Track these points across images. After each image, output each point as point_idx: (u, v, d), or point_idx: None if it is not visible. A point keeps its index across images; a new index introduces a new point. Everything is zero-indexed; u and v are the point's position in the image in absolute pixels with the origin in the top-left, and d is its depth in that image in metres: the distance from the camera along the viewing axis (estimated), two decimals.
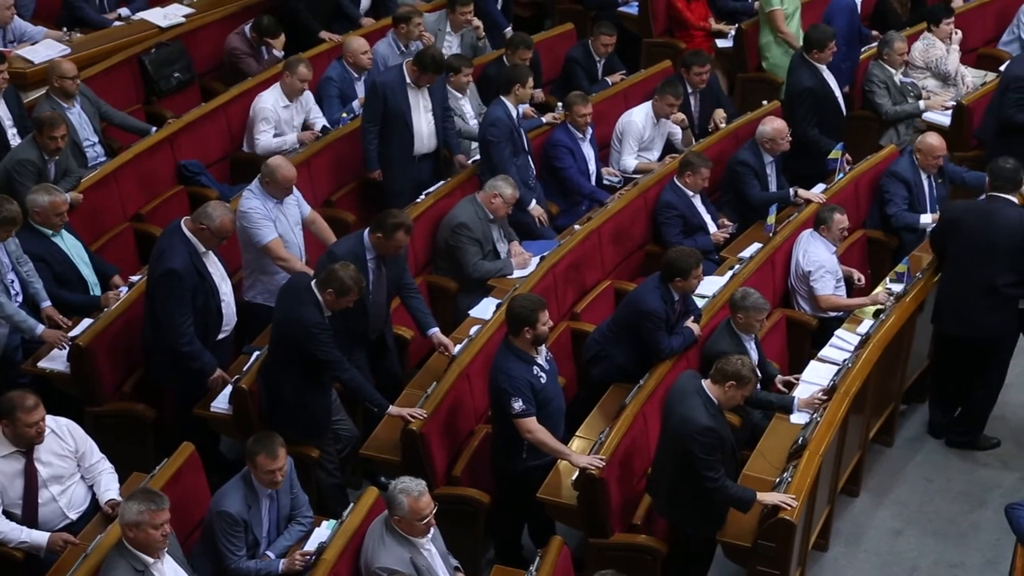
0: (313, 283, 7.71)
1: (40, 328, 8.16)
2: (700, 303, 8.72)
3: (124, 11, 11.92)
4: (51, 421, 6.98)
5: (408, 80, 9.97)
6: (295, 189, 8.81)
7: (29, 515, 6.88)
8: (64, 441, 6.99)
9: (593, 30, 12.00)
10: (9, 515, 6.84)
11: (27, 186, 8.75)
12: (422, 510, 6.62)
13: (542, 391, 7.48)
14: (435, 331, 8.44)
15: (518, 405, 7.35)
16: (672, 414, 7.26)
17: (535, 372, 7.48)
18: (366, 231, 8.24)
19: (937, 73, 11.92)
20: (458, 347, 8.36)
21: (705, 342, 8.41)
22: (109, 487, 7.07)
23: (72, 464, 7.01)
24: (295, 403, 7.74)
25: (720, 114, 11.28)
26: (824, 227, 9.34)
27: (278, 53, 11.31)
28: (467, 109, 10.88)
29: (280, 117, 10.37)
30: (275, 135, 10.36)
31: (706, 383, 7.26)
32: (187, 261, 7.86)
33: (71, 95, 9.84)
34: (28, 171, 8.98)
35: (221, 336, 8.19)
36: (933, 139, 10.04)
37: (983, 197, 9.09)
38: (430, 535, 6.77)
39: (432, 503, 6.69)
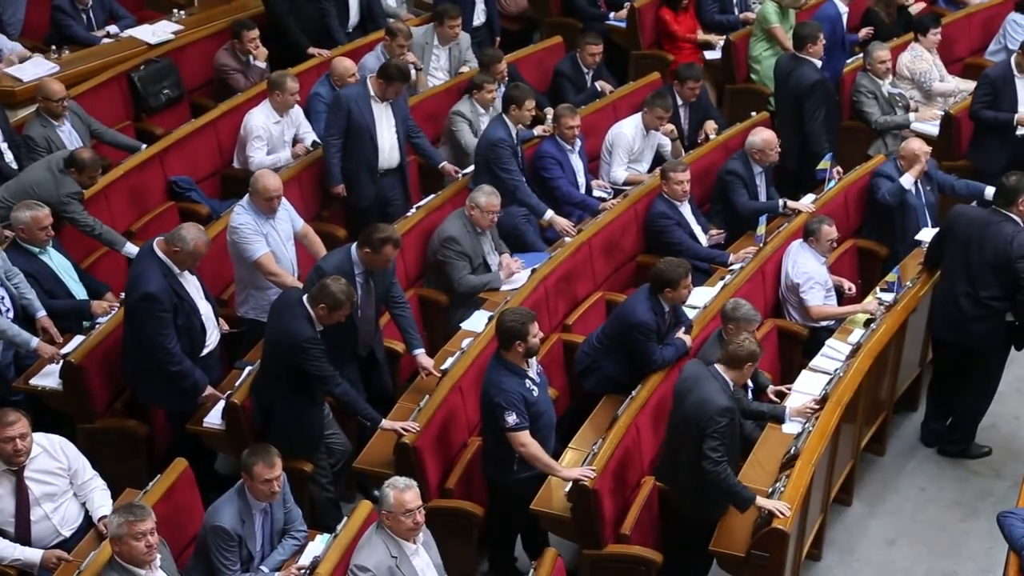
0: (304, 298, 7.71)
1: (35, 341, 8.13)
2: (691, 314, 8.74)
3: (113, 28, 11.95)
4: (43, 439, 6.98)
5: (372, 94, 9.92)
6: (287, 203, 8.80)
7: (22, 533, 6.87)
8: (56, 458, 6.97)
9: (579, 41, 12.04)
10: (2, 533, 6.83)
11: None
12: (407, 503, 6.60)
13: (534, 404, 7.49)
14: (420, 352, 8.42)
15: (511, 419, 7.35)
16: (685, 400, 7.35)
17: (527, 386, 7.48)
18: (353, 246, 8.22)
19: (920, 87, 11.95)
20: (450, 360, 8.36)
21: (697, 353, 8.41)
22: (102, 504, 7.05)
23: (64, 481, 7.00)
24: (288, 418, 7.74)
25: (712, 125, 11.31)
26: (813, 238, 9.37)
27: (260, 64, 11.32)
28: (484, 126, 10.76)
29: (272, 134, 10.35)
30: (268, 152, 10.34)
31: (719, 367, 7.38)
32: (163, 283, 7.82)
33: (59, 116, 9.84)
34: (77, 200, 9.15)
35: (206, 352, 8.17)
36: (914, 144, 10.11)
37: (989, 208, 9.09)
38: (420, 541, 6.76)
39: (419, 499, 6.68)
